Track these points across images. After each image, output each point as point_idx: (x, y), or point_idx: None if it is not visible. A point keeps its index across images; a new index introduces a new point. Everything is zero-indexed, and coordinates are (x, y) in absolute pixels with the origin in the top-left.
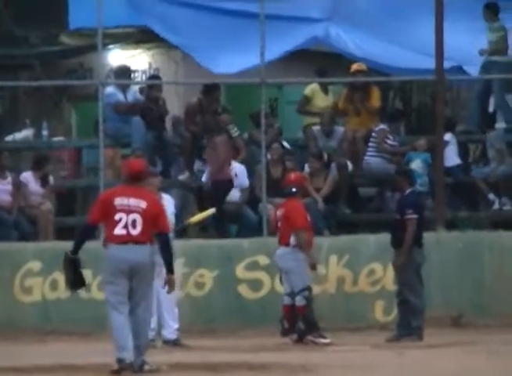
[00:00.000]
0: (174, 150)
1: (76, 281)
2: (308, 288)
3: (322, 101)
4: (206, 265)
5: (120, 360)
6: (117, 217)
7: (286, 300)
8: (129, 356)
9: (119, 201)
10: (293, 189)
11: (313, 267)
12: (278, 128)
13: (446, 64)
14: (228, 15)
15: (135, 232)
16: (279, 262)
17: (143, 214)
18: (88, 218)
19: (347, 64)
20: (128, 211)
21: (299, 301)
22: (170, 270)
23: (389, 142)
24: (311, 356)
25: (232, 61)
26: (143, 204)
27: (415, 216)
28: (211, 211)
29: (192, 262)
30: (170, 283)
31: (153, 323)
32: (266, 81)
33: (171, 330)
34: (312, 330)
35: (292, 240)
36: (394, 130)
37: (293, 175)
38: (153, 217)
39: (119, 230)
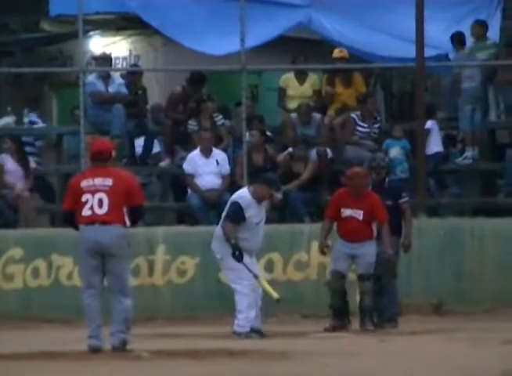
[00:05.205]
0: (155, 138)
1: None
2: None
3: (296, 90)
4: (187, 252)
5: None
6: (83, 198)
7: None
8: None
9: (85, 183)
10: None
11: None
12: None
13: (431, 52)
14: None
15: (100, 211)
16: None
17: (109, 192)
18: (63, 205)
19: (326, 51)
20: (94, 191)
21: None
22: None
23: (360, 129)
24: (291, 342)
25: (216, 44)
26: (109, 182)
27: (409, 199)
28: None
29: (174, 250)
30: None
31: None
32: (247, 67)
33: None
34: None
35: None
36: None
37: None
38: (122, 193)
39: (85, 211)
